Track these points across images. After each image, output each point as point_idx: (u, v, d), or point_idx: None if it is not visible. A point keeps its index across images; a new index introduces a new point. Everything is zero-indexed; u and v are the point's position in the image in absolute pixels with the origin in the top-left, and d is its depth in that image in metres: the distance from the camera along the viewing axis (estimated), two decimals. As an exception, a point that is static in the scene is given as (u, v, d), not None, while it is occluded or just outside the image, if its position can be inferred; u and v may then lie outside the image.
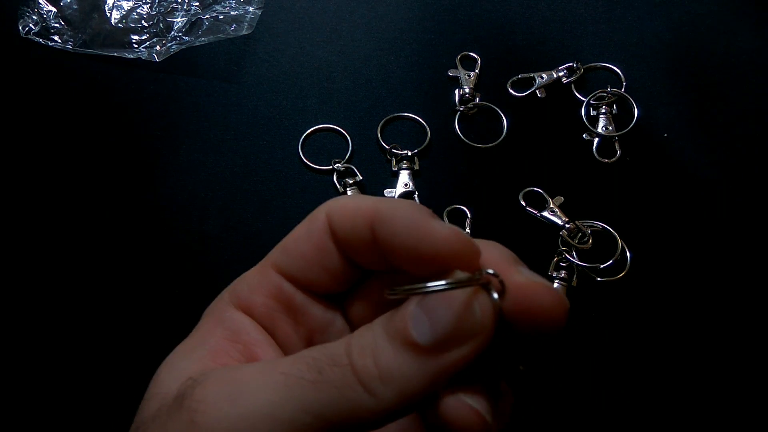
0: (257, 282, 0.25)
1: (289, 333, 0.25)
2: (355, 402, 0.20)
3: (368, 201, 0.23)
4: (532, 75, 0.52)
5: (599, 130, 0.50)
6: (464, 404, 0.21)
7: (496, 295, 0.21)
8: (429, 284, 0.20)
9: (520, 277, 0.21)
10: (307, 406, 0.20)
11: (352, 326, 0.26)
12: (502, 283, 0.21)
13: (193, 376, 0.21)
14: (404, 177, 0.49)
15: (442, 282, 0.20)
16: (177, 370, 0.23)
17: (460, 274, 0.20)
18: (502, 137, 0.50)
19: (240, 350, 0.24)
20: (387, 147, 0.50)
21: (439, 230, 0.20)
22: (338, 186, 0.49)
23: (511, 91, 0.52)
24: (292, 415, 0.19)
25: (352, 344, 0.20)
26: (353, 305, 0.26)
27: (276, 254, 0.25)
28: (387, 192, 0.48)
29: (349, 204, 0.24)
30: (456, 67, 0.53)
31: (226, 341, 0.24)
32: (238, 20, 0.52)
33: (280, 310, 0.25)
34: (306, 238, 0.25)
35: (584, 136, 0.51)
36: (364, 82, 0.52)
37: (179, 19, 0.53)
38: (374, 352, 0.20)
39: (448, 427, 0.21)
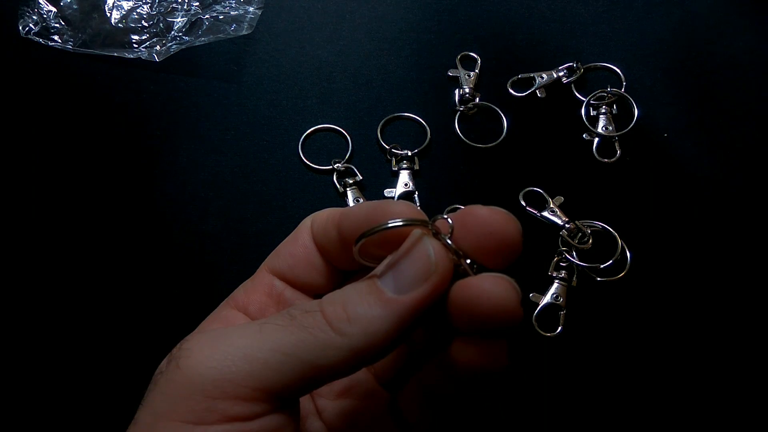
0: (252, 284, 0.28)
1: None
2: (325, 341, 0.22)
3: (339, 209, 0.26)
4: (532, 75, 0.52)
5: (599, 130, 0.50)
6: (491, 276, 0.23)
7: (449, 241, 0.23)
8: (388, 223, 0.23)
9: (480, 209, 0.24)
10: (280, 346, 0.22)
11: None
12: (452, 226, 0.23)
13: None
14: (404, 177, 0.49)
15: (398, 221, 0.23)
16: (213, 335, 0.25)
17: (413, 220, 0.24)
18: (502, 137, 0.50)
19: None
20: (387, 147, 0.50)
21: (393, 206, 0.24)
22: (338, 186, 0.49)
23: (511, 91, 0.52)
24: (267, 355, 0.22)
25: (324, 298, 0.23)
26: None
27: (269, 258, 0.28)
28: (387, 192, 0.48)
29: (325, 212, 0.27)
30: (456, 67, 0.53)
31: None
32: (238, 20, 0.52)
33: (271, 305, 0.28)
34: (293, 241, 0.28)
35: (584, 136, 0.51)
36: (364, 82, 0.52)
37: (179, 19, 0.53)
38: (343, 300, 0.23)
39: (478, 301, 0.22)
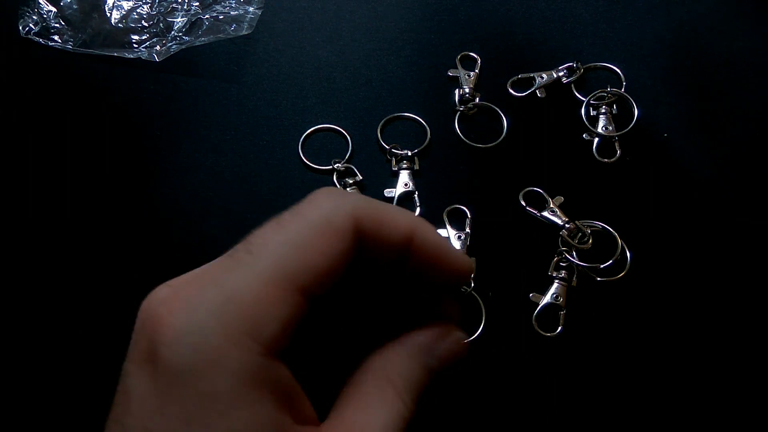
0: (289, 315, 0.21)
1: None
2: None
3: (405, 215, 0.25)
4: (532, 75, 0.52)
5: (599, 130, 0.50)
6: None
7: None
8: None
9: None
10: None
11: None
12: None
13: None
14: (404, 177, 0.49)
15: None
16: None
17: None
18: (502, 137, 0.50)
19: (293, 417, 0.22)
20: (387, 147, 0.50)
21: (458, 257, 0.27)
22: (338, 186, 0.49)
23: (511, 91, 0.52)
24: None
25: (408, 400, 0.25)
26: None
27: (307, 278, 0.22)
28: (387, 192, 0.48)
29: (388, 215, 0.24)
30: (456, 67, 0.53)
31: (281, 414, 0.21)
32: (238, 20, 0.52)
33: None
34: (339, 258, 0.22)
35: (584, 136, 0.51)
36: (364, 82, 0.52)
37: (179, 19, 0.53)
38: (417, 393, 0.26)
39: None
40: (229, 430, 0.19)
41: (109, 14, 0.53)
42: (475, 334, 0.43)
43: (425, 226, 0.25)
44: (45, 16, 0.53)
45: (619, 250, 0.46)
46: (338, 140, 0.50)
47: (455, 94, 0.52)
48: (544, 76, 0.52)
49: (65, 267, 0.46)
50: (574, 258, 0.46)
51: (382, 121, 0.51)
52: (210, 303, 0.21)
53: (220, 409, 0.19)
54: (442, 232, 0.47)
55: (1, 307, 0.45)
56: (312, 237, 0.22)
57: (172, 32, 0.53)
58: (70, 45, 0.52)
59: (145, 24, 0.53)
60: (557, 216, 0.47)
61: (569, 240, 0.46)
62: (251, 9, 0.53)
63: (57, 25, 0.53)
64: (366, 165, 0.49)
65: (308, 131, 0.50)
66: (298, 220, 0.23)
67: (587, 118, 0.51)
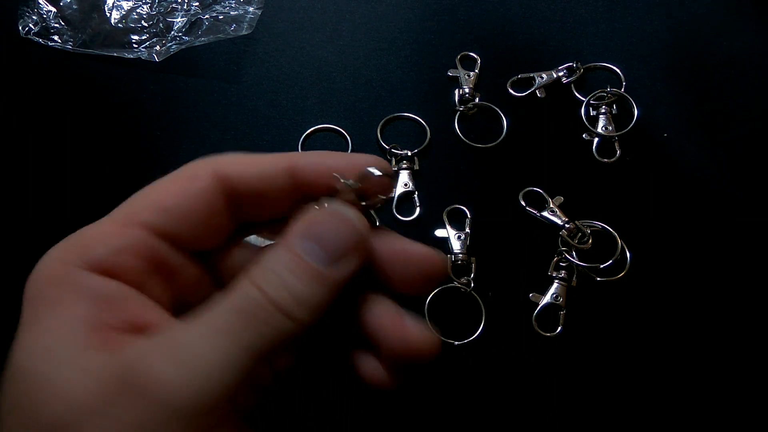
0: (121, 243, 0.24)
1: (159, 295, 0.25)
2: (281, 329, 0.22)
3: (270, 157, 0.26)
4: (532, 75, 0.52)
5: (599, 130, 0.50)
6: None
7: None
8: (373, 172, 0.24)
9: (412, 247, 0.26)
10: (247, 346, 0.21)
11: (219, 280, 0.27)
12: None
13: (127, 361, 0.21)
14: (404, 177, 0.49)
15: (376, 170, 0.24)
16: (62, 357, 0.22)
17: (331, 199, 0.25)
18: (502, 137, 0.50)
19: (123, 319, 0.23)
20: (387, 147, 0.50)
21: (340, 162, 0.25)
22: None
23: (511, 91, 0.52)
24: (239, 361, 0.21)
25: (263, 285, 0.22)
26: (223, 260, 0.27)
27: (149, 213, 0.25)
28: (387, 192, 0.48)
29: (253, 161, 0.26)
30: (456, 67, 0.53)
31: (101, 312, 0.23)
32: (238, 20, 0.52)
33: (150, 272, 0.24)
34: (190, 197, 0.25)
35: (584, 136, 0.51)
36: (364, 82, 0.52)
37: (179, 19, 0.53)
38: (285, 285, 0.22)
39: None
40: (44, 330, 0.23)
41: (109, 14, 0.53)
42: (475, 334, 0.44)
43: (302, 154, 0.26)
44: (45, 16, 0.53)
45: (619, 250, 0.46)
46: (338, 140, 0.50)
47: (455, 94, 0.52)
48: (544, 76, 0.52)
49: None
50: (574, 258, 0.46)
51: (382, 121, 0.51)
52: (65, 243, 0.25)
53: (41, 312, 0.24)
54: (441, 232, 0.47)
55: (1, 307, 0.45)
56: (164, 183, 0.25)
57: (172, 32, 0.53)
58: (70, 45, 0.52)
59: (145, 24, 0.53)
60: (557, 216, 0.47)
61: (569, 240, 0.46)
62: (251, 9, 0.53)
63: (57, 25, 0.53)
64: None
65: (308, 131, 0.50)
66: (162, 178, 0.26)
67: (587, 118, 0.51)
